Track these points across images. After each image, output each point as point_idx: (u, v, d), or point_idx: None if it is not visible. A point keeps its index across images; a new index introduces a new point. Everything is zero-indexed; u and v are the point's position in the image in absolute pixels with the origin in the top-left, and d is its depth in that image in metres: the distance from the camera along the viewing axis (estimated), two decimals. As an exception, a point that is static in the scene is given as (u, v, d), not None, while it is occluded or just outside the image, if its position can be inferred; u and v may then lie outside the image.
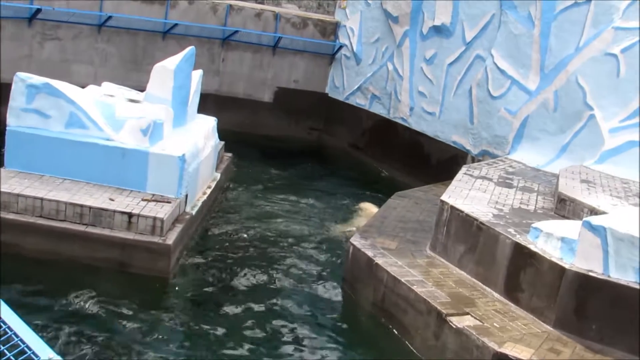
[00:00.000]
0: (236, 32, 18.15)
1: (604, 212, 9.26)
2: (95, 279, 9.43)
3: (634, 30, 11.88)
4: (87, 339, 8.07)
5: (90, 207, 9.84)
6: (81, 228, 9.78)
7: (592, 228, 8.01)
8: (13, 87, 10.60)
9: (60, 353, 3.99)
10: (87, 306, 8.78)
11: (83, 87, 11.98)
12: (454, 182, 11.17)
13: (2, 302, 4.10)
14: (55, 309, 8.63)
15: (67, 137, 10.61)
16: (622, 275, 7.87)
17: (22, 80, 10.59)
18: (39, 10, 15.94)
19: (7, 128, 10.63)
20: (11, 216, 9.73)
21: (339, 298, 10.28)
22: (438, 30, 15.72)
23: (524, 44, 13.50)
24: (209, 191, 12.46)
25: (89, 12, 16.64)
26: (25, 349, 3.81)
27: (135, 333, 8.43)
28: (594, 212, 9.49)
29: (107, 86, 12.37)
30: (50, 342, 7.60)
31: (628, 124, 11.95)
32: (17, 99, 10.58)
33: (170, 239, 9.90)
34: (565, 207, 10.12)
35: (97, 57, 17.28)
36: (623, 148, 11.90)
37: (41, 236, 9.68)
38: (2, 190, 9.82)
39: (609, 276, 7.92)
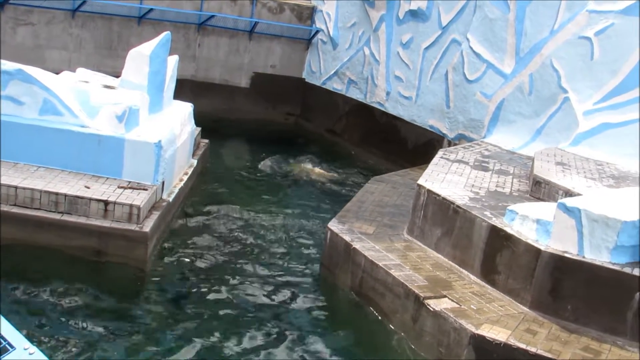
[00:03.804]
0: (212, 17, 18.02)
1: (578, 194, 9.36)
2: (71, 268, 9.37)
3: (608, 13, 11.93)
4: (62, 329, 8.03)
5: (65, 195, 9.75)
6: (56, 216, 9.69)
7: (567, 210, 8.09)
8: (-15, 74, 10.44)
9: (34, 344, 3.96)
10: (62, 296, 8.73)
11: (57, 73, 11.84)
12: (431, 166, 11.22)
13: None
14: (29, 299, 8.55)
15: (41, 124, 10.48)
16: (596, 256, 7.95)
17: (-6, 66, 10.45)
18: (11, -4, 15.75)
19: (-21, 116, 10.48)
20: (-15, 205, 9.63)
21: (318, 283, 10.30)
22: (414, 14, 15.71)
23: (500, 27, 13.54)
24: (185, 178, 12.39)
25: (62, -4, 16.46)
26: (0, 339, 3.79)
27: (112, 322, 8.39)
28: (568, 194, 9.59)
29: (82, 72, 12.22)
30: (24, 332, 7.55)
31: (602, 107, 12.03)
32: (-11, 86, 10.44)
33: (147, 227, 9.84)
34: (540, 190, 10.21)
35: (72, 43, 17.09)
36: (597, 130, 11.98)
37: (16, 225, 9.55)
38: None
39: (583, 257, 8.01)
